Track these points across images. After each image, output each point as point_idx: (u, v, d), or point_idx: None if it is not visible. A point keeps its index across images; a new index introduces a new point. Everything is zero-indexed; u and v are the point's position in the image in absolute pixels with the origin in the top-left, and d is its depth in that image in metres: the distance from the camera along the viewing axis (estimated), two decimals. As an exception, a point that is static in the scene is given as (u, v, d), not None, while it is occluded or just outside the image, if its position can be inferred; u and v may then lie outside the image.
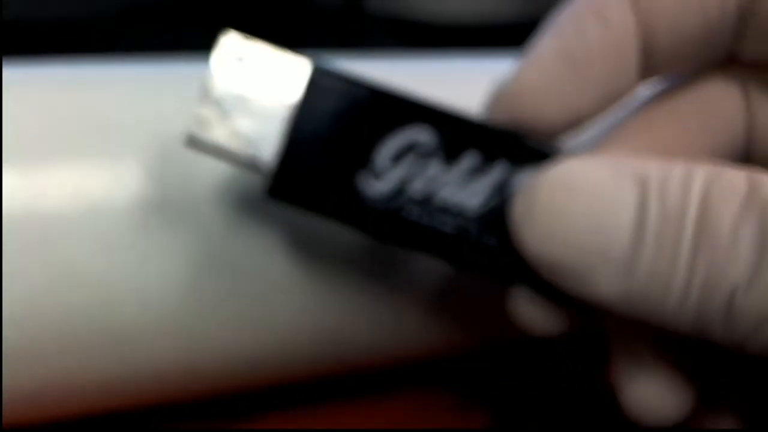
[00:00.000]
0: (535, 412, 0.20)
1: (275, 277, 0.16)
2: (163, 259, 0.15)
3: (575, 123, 0.14)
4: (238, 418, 0.19)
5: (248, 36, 0.13)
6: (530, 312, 0.14)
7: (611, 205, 0.12)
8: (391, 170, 0.13)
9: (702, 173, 0.12)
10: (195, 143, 0.13)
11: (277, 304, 0.16)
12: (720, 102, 0.14)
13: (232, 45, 0.13)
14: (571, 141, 0.14)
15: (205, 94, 0.13)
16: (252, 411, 0.19)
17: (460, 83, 0.17)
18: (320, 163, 0.13)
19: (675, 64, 0.14)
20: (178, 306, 0.15)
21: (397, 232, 0.13)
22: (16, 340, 0.14)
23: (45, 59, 0.17)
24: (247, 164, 0.13)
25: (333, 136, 0.13)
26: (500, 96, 0.14)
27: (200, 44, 0.14)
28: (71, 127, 0.15)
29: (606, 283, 0.12)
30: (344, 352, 0.17)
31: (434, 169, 0.13)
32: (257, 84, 0.13)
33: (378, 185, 0.13)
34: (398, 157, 0.13)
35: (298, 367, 0.18)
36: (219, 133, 0.13)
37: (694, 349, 0.14)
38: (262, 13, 0.34)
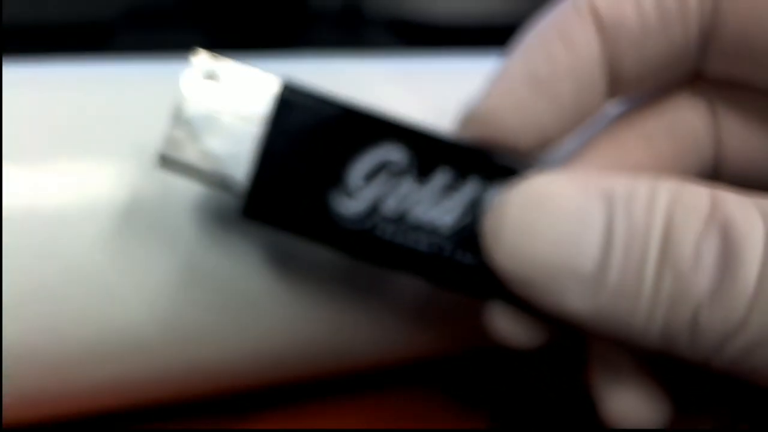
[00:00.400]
0: (535, 411, 0.20)
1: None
2: (163, 257, 0.15)
3: (543, 143, 0.14)
4: (236, 417, 0.19)
5: (218, 55, 0.13)
6: (506, 326, 0.14)
7: (579, 221, 0.12)
8: (364, 189, 0.13)
9: (666, 190, 0.12)
10: (167, 164, 0.13)
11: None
12: (687, 119, 0.14)
13: (202, 65, 0.13)
14: (541, 158, 0.14)
15: (176, 115, 0.13)
16: (250, 410, 0.19)
17: (458, 83, 0.17)
18: (293, 182, 0.13)
19: (641, 85, 0.14)
20: (173, 304, 0.15)
21: (371, 250, 0.13)
22: (15, 338, 0.14)
23: (44, 60, 0.17)
24: (220, 184, 0.13)
25: (305, 155, 0.13)
26: (470, 116, 0.14)
27: (200, 45, 0.14)
28: (72, 126, 0.15)
29: (575, 299, 0.12)
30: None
31: (407, 187, 0.13)
32: (228, 103, 0.13)
33: (351, 204, 0.13)
34: (371, 175, 0.13)
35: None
36: (190, 154, 0.13)
37: (671, 359, 0.14)
38: (261, 15, 0.34)
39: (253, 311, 0.16)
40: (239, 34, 0.34)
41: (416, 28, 0.35)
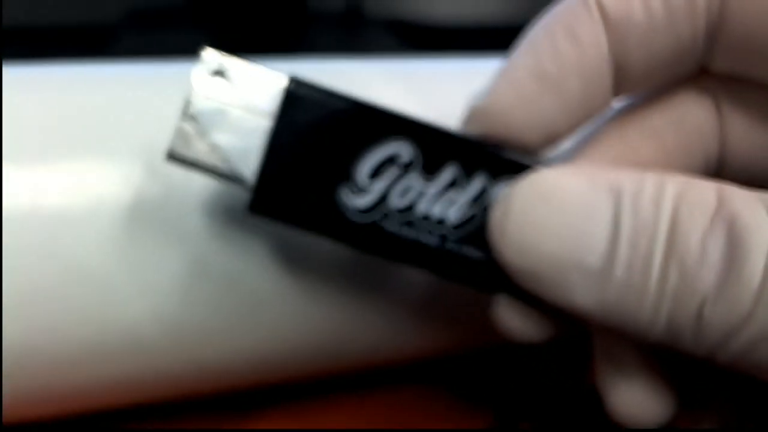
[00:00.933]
0: (535, 410, 0.20)
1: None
2: (165, 257, 0.15)
3: (550, 139, 0.14)
4: (239, 416, 0.19)
5: (227, 52, 0.13)
6: (513, 320, 0.14)
7: (585, 216, 0.12)
8: (372, 184, 0.13)
9: (673, 186, 0.12)
10: (175, 158, 0.13)
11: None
12: (693, 114, 0.14)
13: (211, 61, 0.13)
14: (547, 152, 0.14)
15: (185, 110, 0.13)
16: (252, 408, 0.19)
17: (460, 84, 0.17)
18: (301, 178, 0.13)
19: (647, 81, 0.14)
20: (176, 303, 0.15)
21: (379, 244, 0.14)
22: (16, 337, 0.14)
23: (46, 64, 0.17)
24: (228, 179, 0.13)
25: (312, 150, 0.13)
26: (475, 111, 0.14)
27: (202, 47, 0.14)
28: (74, 126, 0.15)
29: (581, 292, 0.12)
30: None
31: (414, 182, 0.13)
32: (236, 99, 0.13)
33: (359, 199, 0.13)
34: (378, 170, 0.13)
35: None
36: (199, 149, 0.13)
37: (676, 354, 0.14)
38: (262, 17, 0.34)
39: (259, 309, 0.16)
40: (241, 37, 0.34)
41: (417, 30, 0.35)
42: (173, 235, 0.15)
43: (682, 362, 0.14)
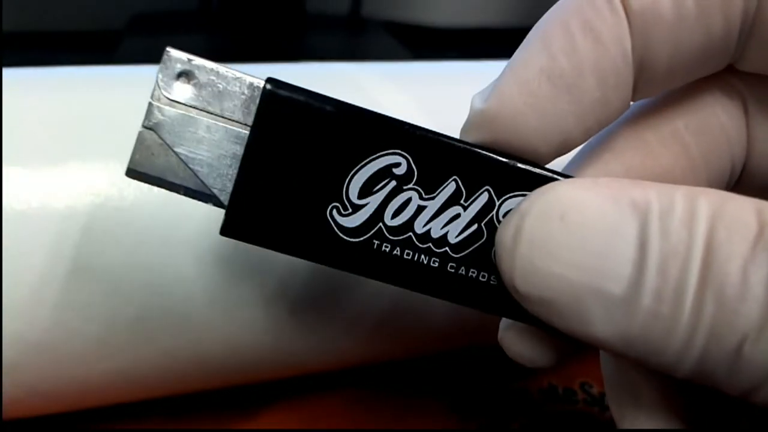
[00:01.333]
0: (526, 410, 0.20)
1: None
2: (168, 256, 0.15)
3: (562, 147, 0.12)
4: (242, 412, 0.19)
5: (194, 54, 0.11)
6: (518, 346, 0.13)
7: (608, 237, 0.11)
8: (364, 200, 0.12)
9: (707, 204, 0.10)
10: (137, 174, 0.11)
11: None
12: (718, 117, 0.13)
13: (176, 62, 0.11)
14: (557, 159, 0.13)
15: (147, 119, 0.11)
16: (255, 404, 0.19)
17: (461, 87, 0.16)
18: (281, 195, 0.12)
19: (671, 81, 0.13)
20: (180, 300, 0.15)
21: (372, 267, 0.12)
22: (20, 334, 0.14)
23: (50, 69, 0.17)
24: (198, 197, 0.12)
25: (295, 162, 0.12)
26: (479, 115, 0.12)
27: (205, 50, 0.12)
28: (78, 127, 0.15)
29: (601, 323, 0.11)
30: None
31: (412, 198, 0.12)
32: (206, 105, 0.11)
33: (349, 217, 0.12)
34: (372, 184, 0.12)
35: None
36: (163, 163, 0.11)
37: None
38: (265, 22, 0.35)
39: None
40: (243, 41, 0.34)
41: (417, 32, 0.34)
42: (175, 235, 0.15)
43: (701, 390, 0.13)
